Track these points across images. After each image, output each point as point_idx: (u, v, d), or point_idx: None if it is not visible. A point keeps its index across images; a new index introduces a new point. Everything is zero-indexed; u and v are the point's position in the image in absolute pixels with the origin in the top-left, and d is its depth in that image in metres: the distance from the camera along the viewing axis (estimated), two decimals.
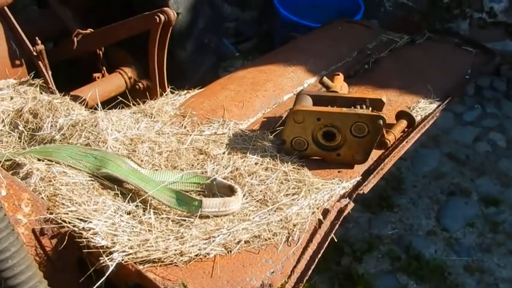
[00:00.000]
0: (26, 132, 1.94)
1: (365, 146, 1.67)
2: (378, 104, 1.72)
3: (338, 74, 1.96)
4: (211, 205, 1.44)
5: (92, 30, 2.52)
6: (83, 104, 2.24)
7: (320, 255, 1.43)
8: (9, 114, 2.04)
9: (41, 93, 2.19)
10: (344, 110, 1.63)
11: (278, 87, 2.20)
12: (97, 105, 2.43)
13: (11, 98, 2.15)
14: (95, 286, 1.30)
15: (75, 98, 2.23)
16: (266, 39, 4.61)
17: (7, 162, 1.63)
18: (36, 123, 1.95)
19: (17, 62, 2.41)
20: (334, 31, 2.81)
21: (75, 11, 2.74)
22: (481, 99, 3.95)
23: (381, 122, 1.59)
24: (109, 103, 2.17)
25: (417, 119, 2.00)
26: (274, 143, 1.79)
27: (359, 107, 1.68)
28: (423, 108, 2.08)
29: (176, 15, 2.24)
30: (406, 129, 1.93)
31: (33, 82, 2.28)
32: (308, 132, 1.69)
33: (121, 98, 2.14)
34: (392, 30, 2.86)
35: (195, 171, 1.63)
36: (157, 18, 2.18)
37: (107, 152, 1.62)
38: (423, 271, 2.51)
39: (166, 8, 2.21)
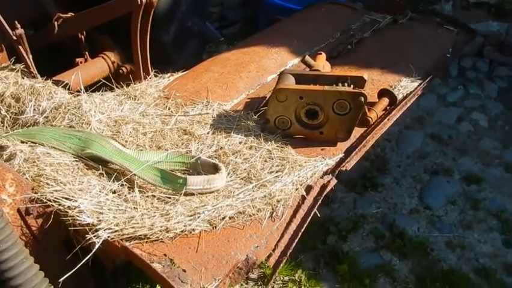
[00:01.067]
0: (8, 117, 1.93)
1: (347, 124, 1.70)
2: (359, 82, 1.74)
3: (320, 53, 1.98)
4: (196, 182, 1.45)
5: (72, 14, 2.49)
6: (67, 88, 2.23)
7: (303, 230, 1.46)
8: None
9: (23, 78, 2.17)
10: (326, 87, 1.65)
11: (262, 68, 2.21)
12: (81, 89, 2.43)
13: None
14: (81, 263, 1.31)
15: (57, 83, 2.21)
16: (251, 24, 4.60)
17: None
18: (18, 107, 1.94)
19: None
20: (317, 13, 2.82)
21: None
22: (464, 81, 4.01)
23: (362, 99, 1.61)
24: (92, 87, 2.17)
25: (399, 97, 2.03)
26: (258, 123, 1.81)
27: (340, 84, 1.70)
28: (405, 86, 2.11)
29: None
30: (388, 107, 1.96)
31: (14, 67, 2.25)
32: (291, 110, 1.71)
33: (104, 81, 2.12)
34: (375, 11, 2.87)
35: (179, 151, 1.64)
36: (138, 1, 2.15)
37: (91, 133, 1.62)
38: (406, 248, 2.57)
39: None
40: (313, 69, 1.87)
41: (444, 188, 2.97)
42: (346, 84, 1.71)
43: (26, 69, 2.24)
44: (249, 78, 2.14)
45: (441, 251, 2.60)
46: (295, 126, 1.74)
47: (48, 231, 1.42)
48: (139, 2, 2.16)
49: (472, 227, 2.73)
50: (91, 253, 1.31)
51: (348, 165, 1.69)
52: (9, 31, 2.21)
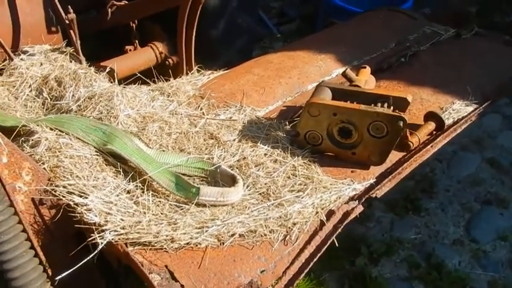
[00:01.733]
0: (49, 100, 1.97)
1: (383, 147, 1.56)
2: (402, 103, 1.59)
3: (365, 67, 1.83)
4: (209, 194, 1.40)
5: (126, 2, 2.51)
6: (110, 75, 2.26)
7: (316, 259, 1.36)
8: (36, 80, 2.08)
9: (70, 62, 2.22)
10: (363, 107, 1.52)
11: (303, 75, 2.11)
12: (128, 77, 2.44)
13: (41, 64, 2.19)
14: (84, 261, 1.30)
15: (102, 69, 2.24)
16: (309, 22, 4.47)
17: (24, 128, 1.66)
18: (59, 92, 1.98)
19: (53, 29, 2.44)
20: (374, 19, 2.65)
21: None
22: None
23: (401, 124, 1.47)
24: (131, 77, 2.17)
25: (449, 121, 1.85)
26: (288, 134, 1.71)
27: (380, 104, 1.56)
28: (458, 110, 1.92)
29: None
30: (434, 132, 1.79)
31: (64, 50, 2.31)
32: (323, 126, 1.60)
33: (139, 75, 2.11)
34: (439, 22, 2.66)
35: (200, 156, 1.59)
36: None
37: (116, 128, 1.60)
38: (442, 282, 2.37)
39: None
40: (354, 84, 1.73)
41: (495, 221, 2.72)
42: (386, 105, 1.57)
43: (74, 53, 2.29)
44: (288, 84, 2.05)
45: None
46: (326, 143, 1.63)
47: (60, 223, 1.42)
48: None
49: None
50: (94, 253, 1.29)
51: (379, 192, 1.55)
52: (63, 14, 2.26)
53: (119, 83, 2.14)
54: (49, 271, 1.41)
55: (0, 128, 1.69)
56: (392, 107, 1.56)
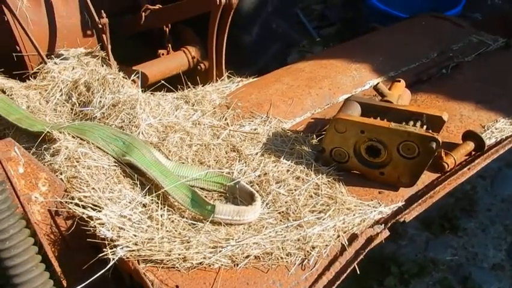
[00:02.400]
0: (77, 105, 1.99)
1: (414, 169, 1.45)
2: (436, 122, 1.47)
3: (399, 81, 1.72)
4: (225, 212, 1.34)
5: (160, 6, 2.51)
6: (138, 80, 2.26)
7: (334, 287, 1.27)
8: (67, 84, 2.10)
9: (102, 66, 2.23)
10: (393, 125, 1.41)
11: (335, 85, 2.01)
12: (158, 81, 2.43)
13: (73, 68, 2.21)
14: (98, 275, 1.27)
15: (132, 73, 2.23)
16: (350, 26, 4.33)
17: (49, 134, 1.67)
18: (87, 97, 1.99)
19: (88, 32, 2.46)
20: (416, 26, 2.51)
21: None
22: None
23: (434, 145, 1.36)
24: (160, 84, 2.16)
25: (490, 141, 1.71)
26: (314, 149, 1.63)
27: (412, 123, 1.45)
28: (501, 129, 1.77)
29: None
30: (473, 153, 1.65)
31: (97, 54, 2.32)
32: (350, 143, 1.50)
33: (163, 82, 2.09)
34: (488, 29, 2.48)
35: (220, 171, 1.54)
36: (217, 1, 2.09)
37: (136, 138, 1.58)
38: None
39: None
40: (385, 99, 1.63)
41: None
42: (419, 123, 1.46)
43: (106, 58, 2.31)
44: (318, 95, 1.96)
45: None
46: (353, 161, 1.54)
47: (76, 233, 1.41)
48: (218, 3, 2.10)
49: None
50: (105, 268, 1.27)
51: (408, 216, 1.45)
52: (96, 18, 2.28)
53: (150, 87, 2.14)
54: (64, 282, 1.41)
55: (28, 133, 1.72)
56: (425, 126, 1.45)
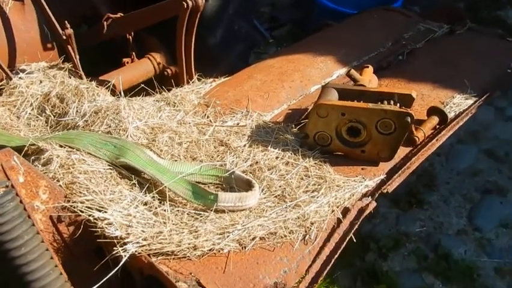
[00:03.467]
0: (52, 117, 1.97)
1: (391, 144, 1.60)
2: (407, 100, 1.63)
3: (367, 67, 1.87)
4: (227, 199, 1.41)
5: (122, 14, 2.52)
6: (109, 90, 2.27)
7: (336, 256, 1.38)
8: (37, 98, 2.08)
9: (70, 78, 2.21)
10: (370, 105, 1.55)
11: (306, 78, 2.13)
12: (121, 94, 2.44)
13: (40, 82, 2.18)
14: (109, 275, 1.30)
15: (102, 83, 2.24)
16: (301, 26, 4.50)
17: (32, 147, 1.66)
18: (62, 108, 1.98)
19: (49, 45, 2.43)
20: (369, 20, 2.69)
21: None
22: None
23: (409, 119, 1.50)
24: (134, 89, 2.18)
25: (451, 115, 1.89)
26: (297, 137, 1.74)
27: (386, 102, 1.59)
28: (458, 104, 1.96)
29: (204, 1, 2.20)
30: (438, 126, 1.83)
31: (62, 66, 2.30)
32: (332, 127, 1.62)
33: (143, 86, 2.12)
34: (432, 19, 2.71)
35: (213, 164, 1.61)
36: (185, 4, 2.14)
37: (126, 141, 1.61)
38: (451, 271, 2.41)
39: None
40: (358, 84, 1.77)
41: (496, 209, 2.77)
42: (392, 102, 1.60)
43: (73, 69, 2.29)
44: (291, 88, 2.07)
45: (490, 277, 2.43)
46: (335, 143, 1.66)
47: (79, 239, 1.42)
48: (185, 6, 2.15)
49: None
50: (118, 266, 1.30)
51: (390, 187, 1.59)
52: (60, 30, 2.26)
53: (129, 92, 2.15)
54: None
55: None
56: (398, 104, 1.59)
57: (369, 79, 1.80)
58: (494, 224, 2.69)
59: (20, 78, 2.19)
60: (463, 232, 2.64)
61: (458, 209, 2.78)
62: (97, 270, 1.39)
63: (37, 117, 2.03)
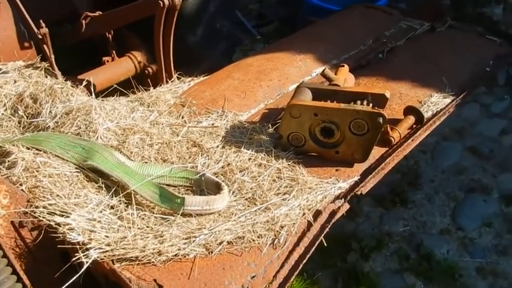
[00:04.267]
0: (25, 118, 1.93)
1: (365, 144, 1.57)
2: (380, 100, 1.60)
3: (343, 66, 1.84)
4: (194, 203, 1.38)
5: (100, 13, 2.48)
6: (91, 88, 2.23)
7: (305, 260, 1.36)
8: (11, 98, 2.03)
9: (46, 77, 2.17)
10: (342, 105, 1.52)
11: (284, 76, 2.10)
12: (106, 88, 2.40)
13: (15, 82, 2.14)
14: (70, 281, 1.27)
15: (80, 82, 2.20)
16: (288, 23, 4.47)
17: (0, 149, 1.62)
18: (35, 109, 1.93)
19: (26, 45, 2.39)
20: (349, 17, 2.66)
21: None
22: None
23: (381, 120, 1.48)
24: (109, 89, 2.15)
25: (428, 114, 1.87)
26: (272, 137, 1.71)
27: (359, 102, 1.57)
28: (436, 103, 1.94)
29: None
30: (414, 126, 1.80)
31: (39, 65, 2.26)
32: (305, 127, 1.60)
33: (116, 86, 2.09)
34: (414, 16, 2.68)
35: (184, 166, 1.58)
36: (161, 3, 2.11)
37: (95, 143, 1.58)
38: (432, 272, 2.40)
39: None
40: (333, 83, 1.74)
41: (480, 208, 2.76)
42: (366, 102, 1.57)
43: (50, 68, 2.25)
44: (269, 87, 2.04)
45: (471, 278, 2.41)
46: (309, 143, 1.63)
47: (43, 244, 1.39)
48: (161, 5, 2.12)
49: (507, 253, 2.51)
50: (80, 273, 1.26)
51: (364, 189, 1.56)
52: (35, 29, 2.22)
53: (98, 95, 2.12)
54: None
55: None
56: (371, 104, 1.57)
57: (344, 78, 1.77)
58: (478, 223, 2.68)
59: None
60: (446, 231, 2.62)
61: (442, 207, 2.76)
62: (61, 275, 1.36)
63: (10, 117, 1.98)
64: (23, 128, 1.92)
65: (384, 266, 2.44)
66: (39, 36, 2.21)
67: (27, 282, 1.37)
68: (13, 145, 1.57)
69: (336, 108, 1.52)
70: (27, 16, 2.25)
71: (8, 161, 1.50)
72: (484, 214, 2.71)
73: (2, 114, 1.99)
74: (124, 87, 2.15)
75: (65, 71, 2.30)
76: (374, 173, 1.59)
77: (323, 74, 1.77)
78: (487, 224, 2.66)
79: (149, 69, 2.63)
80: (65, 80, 2.16)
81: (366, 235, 2.56)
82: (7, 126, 1.94)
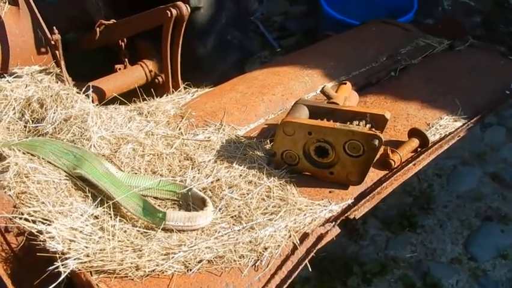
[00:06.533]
0: (30, 122, 1.96)
1: (361, 167, 1.50)
2: (380, 120, 1.54)
3: (345, 83, 1.78)
4: (176, 218, 1.35)
5: (114, 21, 2.52)
6: (99, 95, 2.26)
7: (286, 285, 1.30)
8: (20, 102, 2.07)
9: (56, 83, 2.21)
10: (337, 125, 1.46)
11: (288, 91, 2.06)
12: (116, 96, 2.42)
13: (26, 86, 2.18)
14: None
15: (86, 89, 2.22)
16: (310, 36, 4.43)
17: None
18: (41, 114, 1.96)
19: (42, 50, 2.44)
20: (365, 32, 2.60)
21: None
22: None
23: (376, 142, 1.41)
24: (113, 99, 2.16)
25: (435, 138, 1.78)
26: (267, 153, 1.67)
27: (356, 122, 1.50)
28: (445, 126, 1.85)
29: (189, 10, 2.16)
30: (419, 149, 1.72)
31: (51, 71, 2.30)
32: (299, 146, 1.55)
33: (117, 96, 2.10)
34: (433, 34, 2.59)
35: (172, 179, 1.55)
36: (169, 13, 2.11)
37: (86, 151, 1.57)
38: None
39: (179, 2, 2.13)
40: (332, 101, 1.68)
41: (496, 238, 2.62)
42: (364, 123, 1.51)
43: (61, 74, 2.29)
44: (271, 101, 2.00)
45: None
46: (303, 162, 1.58)
47: (28, 250, 1.39)
48: (169, 15, 2.13)
49: None
50: (57, 282, 1.25)
51: (357, 213, 1.49)
52: (48, 35, 2.26)
53: (109, 103, 2.13)
54: None
55: None
56: (369, 125, 1.50)
57: (345, 96, 1.71)
58: (492, 254, 2.53)
59: (7, 81, 2.20)
60: (456, 261, 2.49)
61: (454, 235, 2.63)
62: (43, 280, 1.35)
63: (17, 121, 2.02)
64: (28, 132, 1.95)
65: None
66: (52, 42, 2.26)
67: (11, 287, 1.38)
68: (9, 149, 1.59)
69: (330, 128, 1.47)
70: (42, 22, 2.30)
71: (2, 165, 1.52)
72: (500, 245, 2.57)
73: (11, 117, 2.03)
74: (132, 96, 2.16)
75: (78, 78, 2.34)
76: (368, 197, 1.51)
77: (322, 91, 1.72)
78: (502, 255, 2.52)
79: (159, 78, 2.64)
80: (74, 86, 2.19)
81: (370, 259, 2.46)
82: (13, 130, 1.98)
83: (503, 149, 3.25)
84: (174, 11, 2.11)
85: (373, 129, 1.47)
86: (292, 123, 1.51)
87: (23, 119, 2.00)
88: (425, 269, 2.42)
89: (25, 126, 1.98)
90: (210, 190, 1.53)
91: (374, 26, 2.68)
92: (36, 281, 1.40)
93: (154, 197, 1.51)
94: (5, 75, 2.26)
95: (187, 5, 2.16)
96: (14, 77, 2.22)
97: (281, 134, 1.54)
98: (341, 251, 2.45)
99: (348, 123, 1.50)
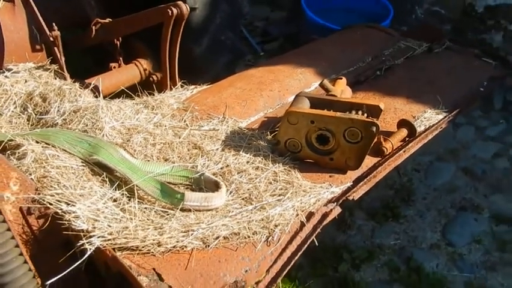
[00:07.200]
0: (34, 115, 2.01)
1: (358, 152, 1.65)
2: (375, 111, 1.69)
3: (340, 78, 1.93)
4: (193, 199, 1.45)
5: (110, 19, 2.58)
6: (95, 92, 2.31)
7: (297, 257, 1.42)
8: (21, 97, 2.11)
9: (55, 79, 2.26)
10: (338, 114, 1.60)
11: (284, 88, 2.19)
12: (100, 95, 2.48)
13: (25, 81, 2.22)
14: (73, 266, 1.33)
15: (86, 86, 2.28)
16: (292, 41, 4.59)
17: (11, 142, 1.69)
18: (44, 107, 2.01)
19: (37, 47, 2.47)
20: (351, 35, 2.77)
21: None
22: (508, 115, 3.81)
23: (374, 129, 1.56)
24: (119, 91, 2.23)
25: (421, 128, 1.95)
26: (269, 143, 1.79)
27: (354, 112, 1.65)
28: (429, 118, 2.03)
29: (189, 9, 2.26)
30: (407, 139, 1.88)
31: (49, 67, 2.35)
32: (302, 134, 1.68)
33: (124, 89, 2.17)
34: (414, 37, 2.79)
35: (185, 165, 1.65)
36: (169, 12, 2.20)
37: (101, 139, 1.65)
38: (421, 284, 2.45)
39: (179, 2, 2.23)
40: (330, 94, 1.83)
41: (470, 226, 2.82)
42: (360, 112, 1.66)
43: (59, 70, 2.34)
44: (269, 97, 2.13)
45: None
46: (305, 150, 1.71)
47: (48, 232, 1.45)
48: (170, 13, 2.21)
49: (496, 269, 2.57)
50: (83, 258, 1.32)
51: (355, 194, 1.63)
52: (47, 32, 2.31)
53: (104, 99, 2.19)
54: (38, 280, 1.44)
55: None
56: (365, 114, 1.65)
57: (341, 90, 1.86)
58: (468, 240, 2.73)
59: (5, 76, 2.23)
60: (436, 246, 2.68)
61: (433, 223, 2.82)
62: (64, 262, 1.42)
63: (19, 115, 2.06)
64: (31, 125, 2.00)
65: (374, 277, 2.49)
66: (51, 39, 2.30)
67: (31, 267, 1.44)
68: (23, 138, 1.64)
69: (332, 116, 1.61)
70: (40, 18, 2.34)
71: (19, 153, 1.58)
72: (474, 232, 2.78)
73: (12, 111, 2.07)
74: (131, 92, 2.23)
75: (73, 75, 2.39)
76: (365, 180, 1.66)
77: (321, 85, 1.86)
78: (476, 240, 2.72)
79: (154, 76, 2.71)
80: (73, 82, 2.25)
81: (358, 247, 2.62)
82: (16, 123, 2.02)
83: (473, 146, 3.49)
84: (175, 10, 2.20)
85: (370, 117, 1.62)
86: (296, 113, 1.64)
87: (26, 112, 2.05)
88: (408, 255, 2.59)
89: (28, 119, 2.03)
90: (220, 175, 1.63)
91: (358, 30, 2.85)
92: (54, 261, 1.47)
93: (168, 182, 1.60)
94: (3, 70, 2.30)
95: (187, 5, 2.26)
96: (12, 73, 2.26)
97: (285, 123, 1.67)
98: (331, 240, 2.59)
99: (348, 112, 1.64)
